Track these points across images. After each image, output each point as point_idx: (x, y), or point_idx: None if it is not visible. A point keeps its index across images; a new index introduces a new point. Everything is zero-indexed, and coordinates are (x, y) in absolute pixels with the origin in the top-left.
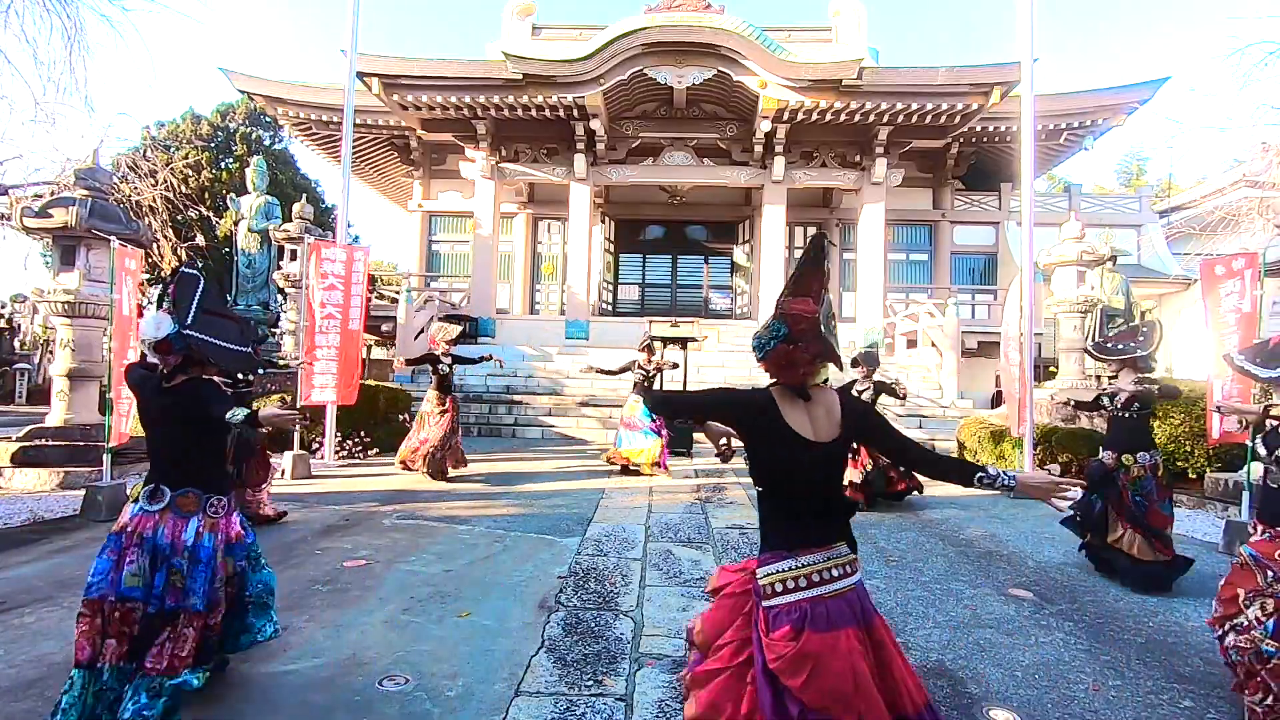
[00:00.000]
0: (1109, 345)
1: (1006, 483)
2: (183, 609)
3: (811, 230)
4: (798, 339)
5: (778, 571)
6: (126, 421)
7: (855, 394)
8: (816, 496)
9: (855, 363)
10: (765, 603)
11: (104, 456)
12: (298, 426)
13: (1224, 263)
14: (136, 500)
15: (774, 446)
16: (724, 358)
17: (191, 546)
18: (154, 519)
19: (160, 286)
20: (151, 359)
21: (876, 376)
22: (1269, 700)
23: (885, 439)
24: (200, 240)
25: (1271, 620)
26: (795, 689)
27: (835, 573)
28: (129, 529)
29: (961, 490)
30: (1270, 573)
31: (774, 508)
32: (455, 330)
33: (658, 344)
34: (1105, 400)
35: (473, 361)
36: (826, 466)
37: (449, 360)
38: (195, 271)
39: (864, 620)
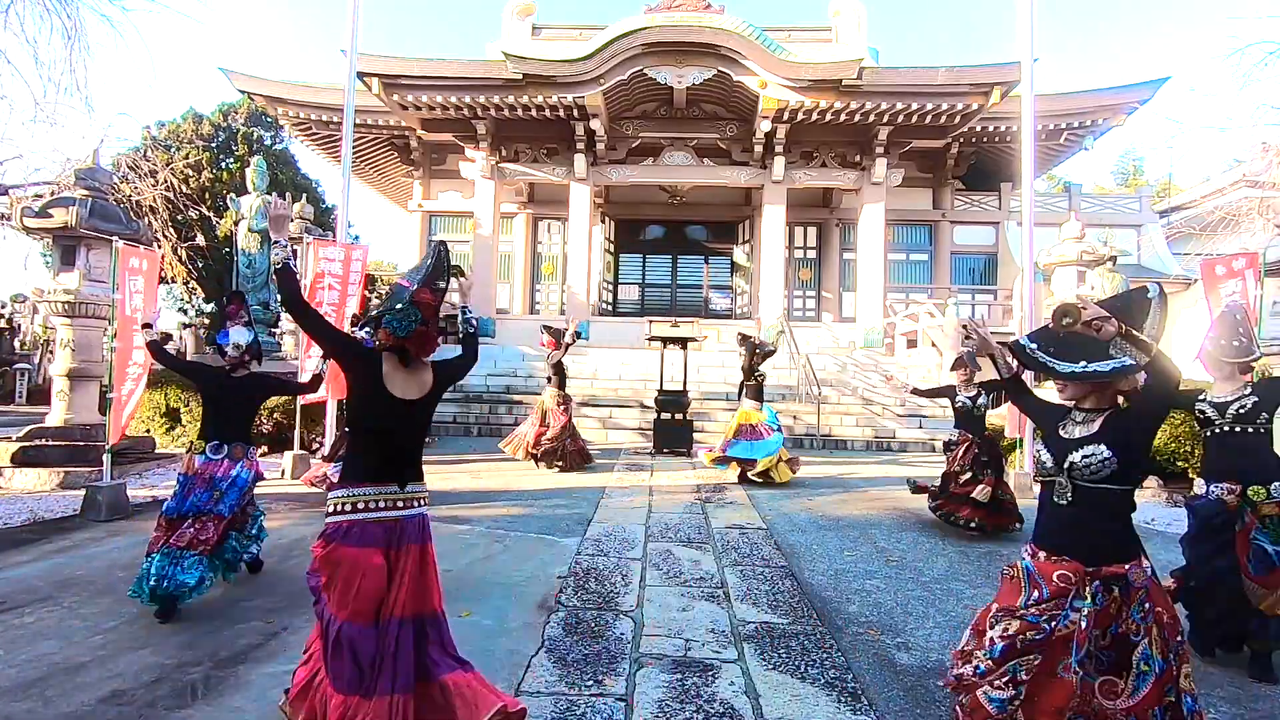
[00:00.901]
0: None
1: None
2: (213, 512)
3: (812, 230)
4: (428, 322)
5: (339, 496)
6: (119, 416)
7: (966, 399)
8: (390, 443)
9: (956, 366)
10: (327, 519)
11: (104, 456)
12: None
13: (1224, 263)
14: (202, 453)
15: (370, 398)
16: (724, 358)
17: (234, 477)
18: (216, 464)
19: (221, 304)
20: (215, 358)
21: (983, 378)
22: None
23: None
24: (200, 240)
25: (1000, 644)
26: (321, 583)
27: (382, 504)
28: (198, 472)
29: None
30: (1037, 593)
31: (353, 445)
32: (572, 334)
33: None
34: (1209, 411)
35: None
36: (409, 421)
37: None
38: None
39: (396, 545)
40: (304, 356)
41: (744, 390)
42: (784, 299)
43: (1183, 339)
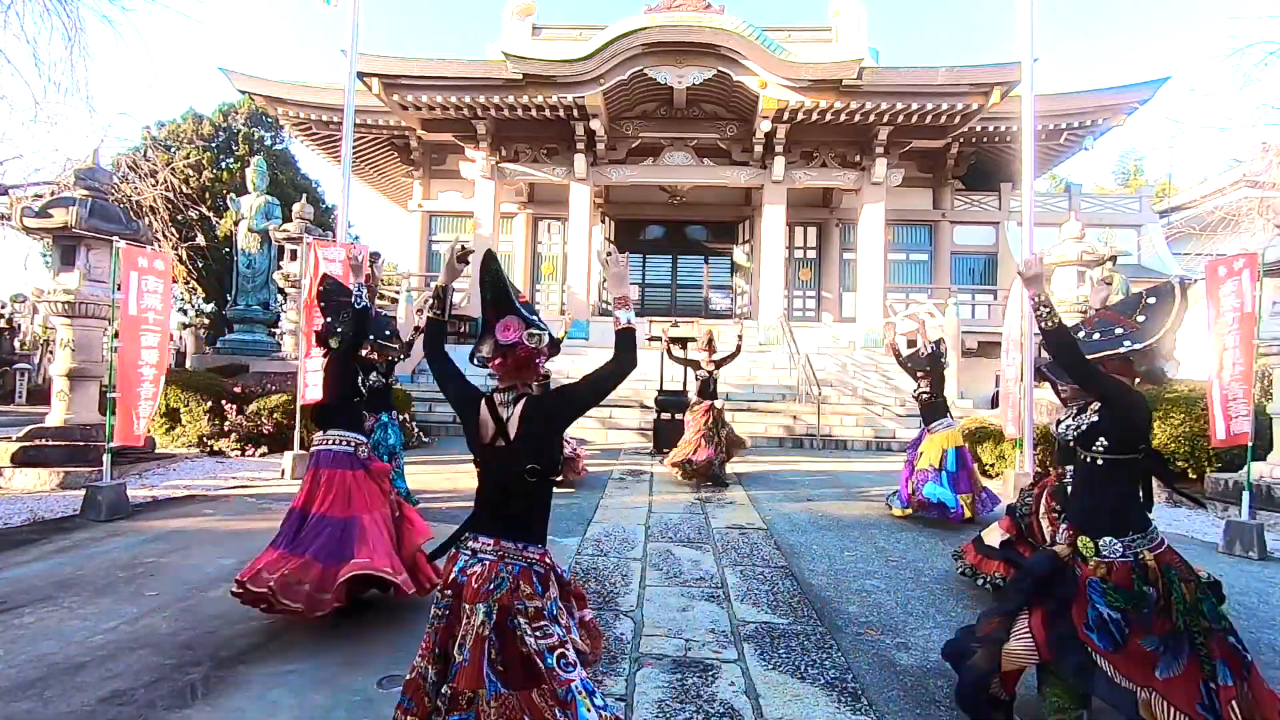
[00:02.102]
0: None
1: None
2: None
3: (812, 230)
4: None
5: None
6: (141, 423)
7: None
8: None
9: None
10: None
11: (104, 456)
12: None
13: (1227, 263)
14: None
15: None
16: None
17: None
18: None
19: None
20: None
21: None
22: None
23: None
24: (200, 240)
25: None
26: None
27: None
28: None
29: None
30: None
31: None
32: (725, 354)
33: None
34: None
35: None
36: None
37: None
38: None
39: (358, 466)
40: (304, 357)
41: (931, 411)
42: (784, 299)
43: (1182, 339)
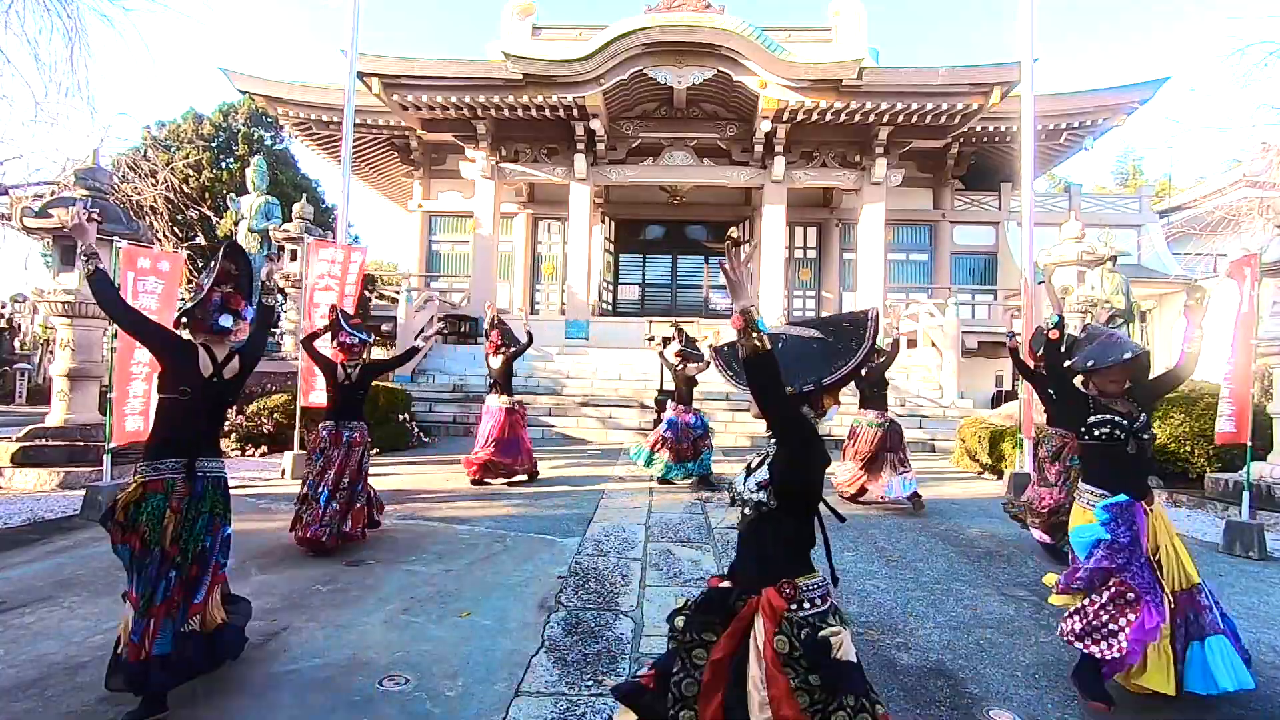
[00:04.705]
0: None
1: None
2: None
3: (812, 230)
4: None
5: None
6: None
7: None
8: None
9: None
10: None
11: (104, 456)
12: None
13: (1248, 263)
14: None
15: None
16: None
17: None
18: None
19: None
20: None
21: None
22: None
23: None
24: (201, 240)
25: None
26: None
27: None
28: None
29: (963, 492)
30: None
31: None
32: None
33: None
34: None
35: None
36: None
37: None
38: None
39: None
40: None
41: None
42: (784, 299)
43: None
